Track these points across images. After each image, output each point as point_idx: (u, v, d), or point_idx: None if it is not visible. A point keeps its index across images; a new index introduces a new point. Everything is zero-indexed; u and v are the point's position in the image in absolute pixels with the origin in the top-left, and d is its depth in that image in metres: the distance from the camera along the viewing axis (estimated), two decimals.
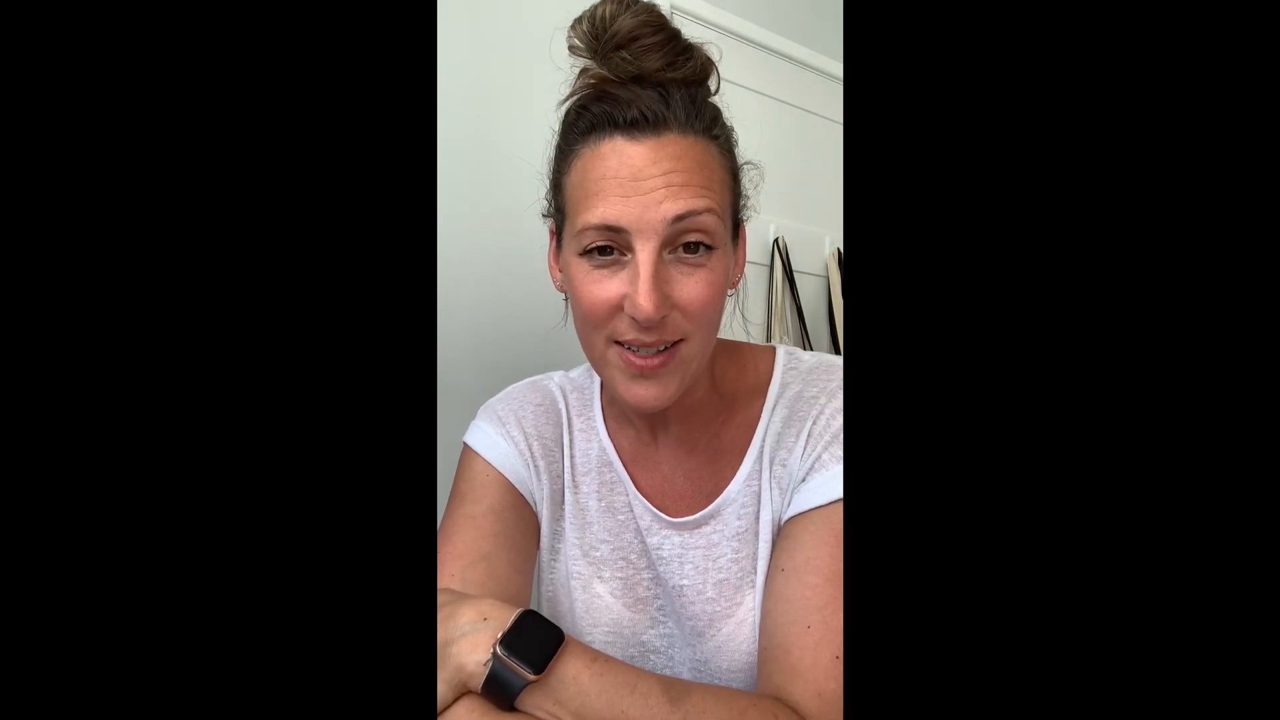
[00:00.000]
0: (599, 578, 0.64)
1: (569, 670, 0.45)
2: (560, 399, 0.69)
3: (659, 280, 0.51)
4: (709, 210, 0.52)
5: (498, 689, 0.44)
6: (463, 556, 0.57)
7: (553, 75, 0.59)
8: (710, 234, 0.53)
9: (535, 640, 0.45)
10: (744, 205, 0.61)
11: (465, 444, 0.66)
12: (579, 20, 0.55)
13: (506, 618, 0.46)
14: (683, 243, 0.53)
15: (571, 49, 0.56)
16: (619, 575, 0.64)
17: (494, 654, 0.44)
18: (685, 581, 0.61)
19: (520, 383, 0.71)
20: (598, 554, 0.64)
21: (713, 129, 0.55)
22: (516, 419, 0.66)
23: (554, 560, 0.66)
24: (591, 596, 0.64)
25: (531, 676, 0.44)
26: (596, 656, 0.47)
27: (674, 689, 0.46)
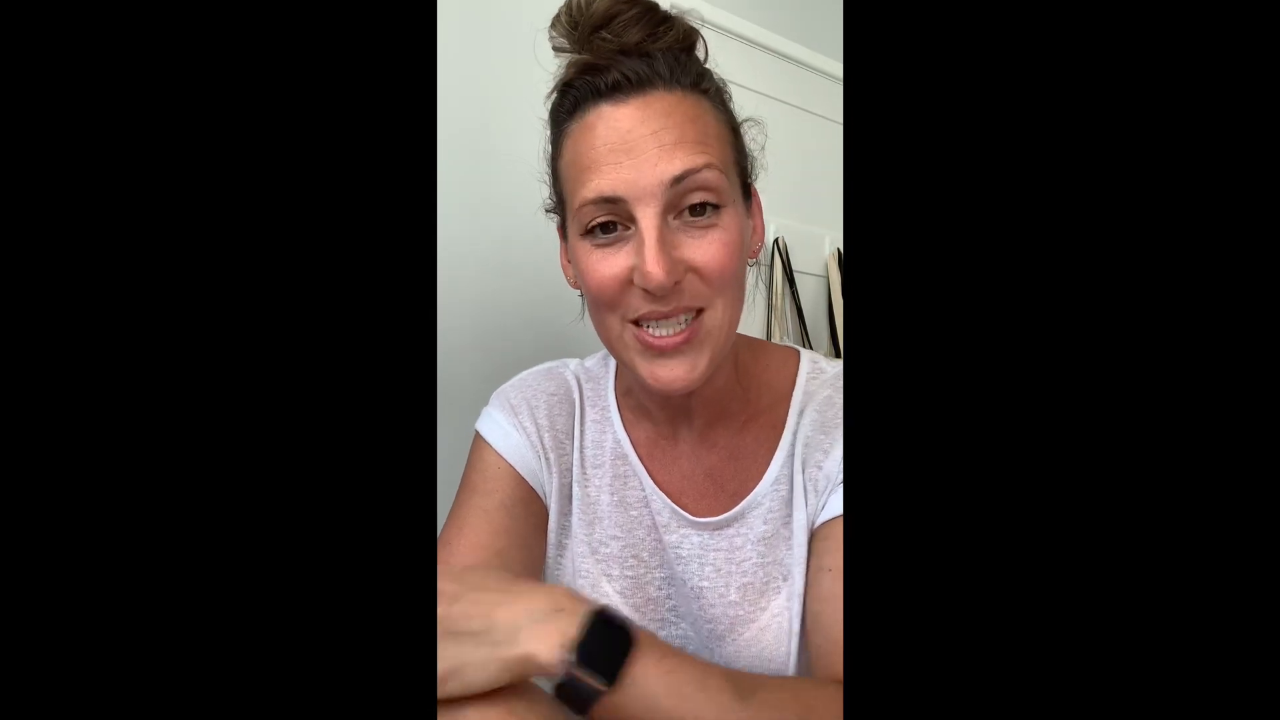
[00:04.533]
0: (607, 576, 0.63)
1: (638, 673, 0.42)
2: (575, 387, 0.67)
3: (666, 245, 0.49)
4: (708, 166, 0.50)
5: (570, 698, 0.42)
6: (476, 551, 0.56)
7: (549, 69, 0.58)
8: (715, 191, 0.50)
9: (608, 645, 0.42)
10: (752, 165, 0.58)
11: (477, 432, 0.65)
12: (556, 18, 0.54)
13: (578, 610, 0.42)
14: (687, 205, 0.50)
15: (556, 49, 0.55)
16: (628, 574, 0.62)
17: (568, 663, 0.41)
18: (705, 583, 0.60)
19: (535, 369, 0.69)
20: (607, 550, 0.63)
21: (701, 83, 0.53)
22: (529, 408, 0.64)
23: (560, 557, 0.64)
24: (599, 596, 0.62)
25: (605, 688, 0.41)
26: (666, 653, 0.44)
27: (742, 684, 0.44)
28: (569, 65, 0.54)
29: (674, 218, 0.51)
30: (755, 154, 0.59)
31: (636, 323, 0.53)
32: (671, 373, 0.53)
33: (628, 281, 0.52)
